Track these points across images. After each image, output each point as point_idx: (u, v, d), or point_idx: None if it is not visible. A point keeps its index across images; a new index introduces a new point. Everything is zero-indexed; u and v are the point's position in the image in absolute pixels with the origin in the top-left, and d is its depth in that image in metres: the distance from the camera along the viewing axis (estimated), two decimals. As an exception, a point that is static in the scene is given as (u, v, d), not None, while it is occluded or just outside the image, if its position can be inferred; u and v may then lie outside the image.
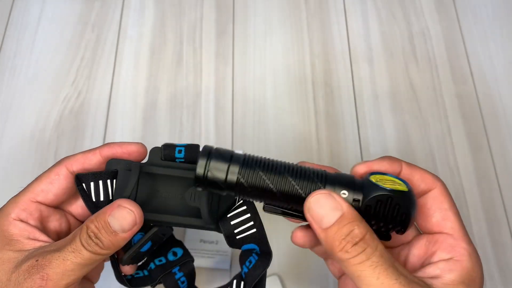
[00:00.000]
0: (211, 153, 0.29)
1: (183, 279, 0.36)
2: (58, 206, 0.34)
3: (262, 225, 0.33)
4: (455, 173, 0.56)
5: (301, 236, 0.32)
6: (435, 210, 0.31)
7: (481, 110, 0.60)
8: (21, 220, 0.31)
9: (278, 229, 0.48)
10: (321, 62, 0.62)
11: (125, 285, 0.35)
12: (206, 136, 0.57)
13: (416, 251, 0.31)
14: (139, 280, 0.36)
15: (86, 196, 0.32)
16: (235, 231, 0.33)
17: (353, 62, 0.63)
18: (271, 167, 0.29)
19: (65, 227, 0.34)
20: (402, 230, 0.29)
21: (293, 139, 0.57)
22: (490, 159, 0.57)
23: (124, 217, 0.29)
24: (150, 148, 0.34)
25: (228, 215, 0.33)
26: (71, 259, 0.28)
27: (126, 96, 0.60)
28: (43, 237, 0.31)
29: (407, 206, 0.28)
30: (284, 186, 0.28)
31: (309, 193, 0.28)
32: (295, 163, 0.30)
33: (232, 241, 0.33)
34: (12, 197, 0.32)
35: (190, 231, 0.51)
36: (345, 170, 0.32)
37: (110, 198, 0.33)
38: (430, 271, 0.29)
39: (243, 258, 0.34)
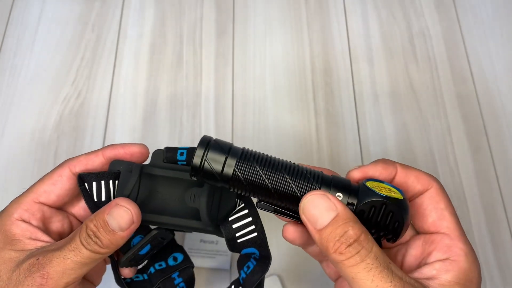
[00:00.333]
0: (210, 144, 0.29)
1: (182, 284, 0.36)
2: (60, 208, 0.34)
3: (263, 229, 0.33)
4: (455, 173, 0.56)
5: (292, 231, 0.32)
6: (431, 210, 0.30)
7: (481, 110, 0.60)
8: (24, 221, 0.31)
9: (278, 229, 0.48)
10: (321, 62, 0.62)
11: (123, 287, 0.35)
12: (206, 136, 0.57)
13: (413, 251, 0.31)
14: (138, 283, 0.36)
15: (87, 196, 0.32)
16: (237, 235, 0.32)
17: (353, 62, 0.63)
18: (268, 163, 0.29)
19: (67, 228, 0.34)
20: (393, 238, 0.29)
21: (293, 139, 0.57)
22: (490, 159, 0.57)
23: (121, 215, 0.29)
24: (152, 149, 0.34)
25: (230, 219, 0.33)
26: (71, 258, 0.28)
27: (126, 96, 0.60)
28: (45, 237, 0.31)
29: (401, 214, 0.28)
30: (280, 184, 0.28)
31: (305, 193, 0.28)
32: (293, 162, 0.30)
33: (233, 245, 0.33)
34: (15, 198, 0.33)
35: (190, 231, 0.51)
36: (345, 170, 0.32)
37: (112, 198, 0.33)
38: (426, 271, 0.29)
39: (241, 263, 0.34)
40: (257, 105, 0.59)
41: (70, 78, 0.61)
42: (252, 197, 0.30)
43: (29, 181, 0.34)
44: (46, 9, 0.65)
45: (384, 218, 0.28)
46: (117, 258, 0.35)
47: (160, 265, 0.36)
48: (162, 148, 0.34)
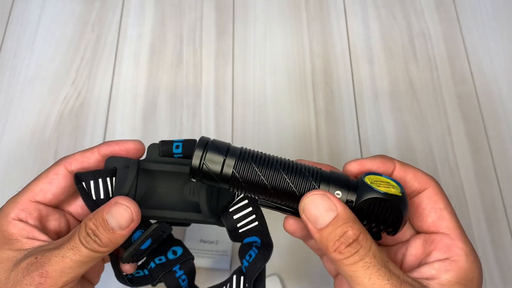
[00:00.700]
0: (208, 145, 0.29)
1: (183, 277, 0.36)
2: (57, 206, 0.34)
3: (264, 217, 0.33)
4: (455, 173, 0.56)
5: (293, 223, 0.32)
6: (430, 210, 0.30)
7: (481, 110, 0.60)
8: (20, 220, 0.31)
9: (277, 229, 0.48)
10: (321, 62, 0.62)
11: (126, 284, 0.35)
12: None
13: (413, 251, 0.31)
14: (139, 279, 0.36)
15: (85, 195, 0.32)
16: (238, 225, 0.33)
17: (353, 62, 0.63)
18: (266, 162, 0.29)
19: (64, 226, 0.34)
20: (393, 232, 0.29)
21: (293, 139, 0.57)
22: (490, 159, 0.57)
23: (121, 214, 0.29)
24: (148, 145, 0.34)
25: (230, 210, 0.33)
26: (70, 257, 0.28)
27: (126, 96, 0.60)
28: (42, 236, 0.31)
29: (399, 209, 0.28)
30: (278, 183, 0.28)
31: (303, 191, 0.28)
32: (292, 159, 0.30)
33: (235, 235, 0.33)
34: (11, 197, 0.32)
35: (190, 231, 0.51)
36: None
37: (110, 196, 0.33)
38: (425, 271, 0.29)
39: (242, 252, 0.34)
40: (257, 105, 0.59)
41: (70, 78, 0.61)
42: (253, 196, 0.30)
43: (29, 181, 0.33)
44: (46, 9, 0.65)
45: (383, 213, 0.28)
46: (117, 255, 0.35)
47: (160, 259, 0.36)
48: (158, 142, 0.34)
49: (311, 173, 0.29)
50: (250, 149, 0.30)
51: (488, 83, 0.62)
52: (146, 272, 0.36)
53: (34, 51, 0.62)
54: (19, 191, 0.33)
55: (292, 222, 0.32)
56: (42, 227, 0.32)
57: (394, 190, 0.28)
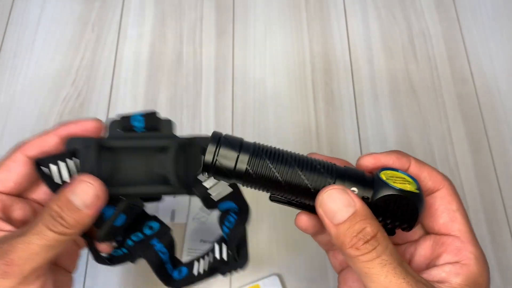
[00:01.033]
0: (221, 140, 0.28)
1: (164, 250, 0.35)
2: (21, 195, 0.33)
3: (237, 184, 0.32)
4: (455, 173, 0.56)
5: (306, 220, 0.31)
6: (442, 211, 0.30)
7: (481, 110, 0.60)
8: None
9: (277, 229, 0.48)
10: (321, 62, 0.62)
11: (105, 264, 0.34)
12: (206, 136, 0.57)
13: (423, 251, 0.31)
14: (119, 258, 0.35)
15: (48, 180, 0.31)
16: (211, 192, 0.32)
17: (353, 62, 0.63)
18: (281, 158, 0.28)
19: (30, 215, 0.33)
20: (408, 228, 0.29)
21: (293, 139, 0.57)
22: (490, 159, 0.57)
23: (85, 191, 0.28)
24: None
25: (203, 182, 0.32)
26: (36, 242, 0.27)
27: (126, 96, 0.60)
28: (6, 226, 0.30)
29: (416, 206, 0.28)
30: (292, 179, 0.28)
31: (318, 187, 0.28)
32: (305, 154, 0.30)
33: (208, 202, 0.33)
34: None
35: (189, 231, 0.51)
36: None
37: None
38: (435, 273, 0.28)
39: (221, 219, 0.34)
40: (257, 105, 0.59)
41: (70, 78, 0.61)
42: (266, 192, 0.30)
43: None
44: (46, 9, 0.65)
45: (399, 210, 0.28)
46: (92, 237, 0.33)
47: (137, 236, 0.35)
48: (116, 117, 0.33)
49: (326, 169, 0.29)
50: (263, 144, 0.29)
51: (488, 83, 0.62)
52: (125, 250, 0.35)
53: (34, 51, 0.62)
54: None
55: (304, 219, 0.31)
56: (6, 218, 0.31)
57: (410, 187, 0.28)
